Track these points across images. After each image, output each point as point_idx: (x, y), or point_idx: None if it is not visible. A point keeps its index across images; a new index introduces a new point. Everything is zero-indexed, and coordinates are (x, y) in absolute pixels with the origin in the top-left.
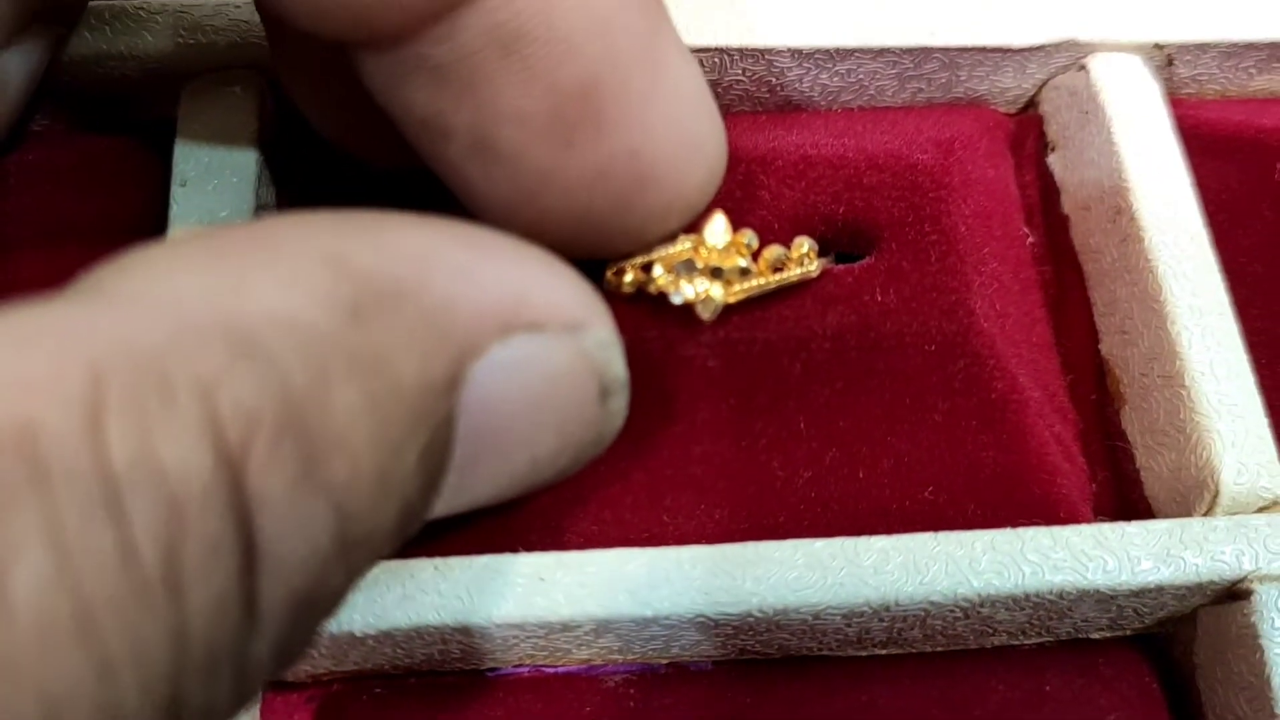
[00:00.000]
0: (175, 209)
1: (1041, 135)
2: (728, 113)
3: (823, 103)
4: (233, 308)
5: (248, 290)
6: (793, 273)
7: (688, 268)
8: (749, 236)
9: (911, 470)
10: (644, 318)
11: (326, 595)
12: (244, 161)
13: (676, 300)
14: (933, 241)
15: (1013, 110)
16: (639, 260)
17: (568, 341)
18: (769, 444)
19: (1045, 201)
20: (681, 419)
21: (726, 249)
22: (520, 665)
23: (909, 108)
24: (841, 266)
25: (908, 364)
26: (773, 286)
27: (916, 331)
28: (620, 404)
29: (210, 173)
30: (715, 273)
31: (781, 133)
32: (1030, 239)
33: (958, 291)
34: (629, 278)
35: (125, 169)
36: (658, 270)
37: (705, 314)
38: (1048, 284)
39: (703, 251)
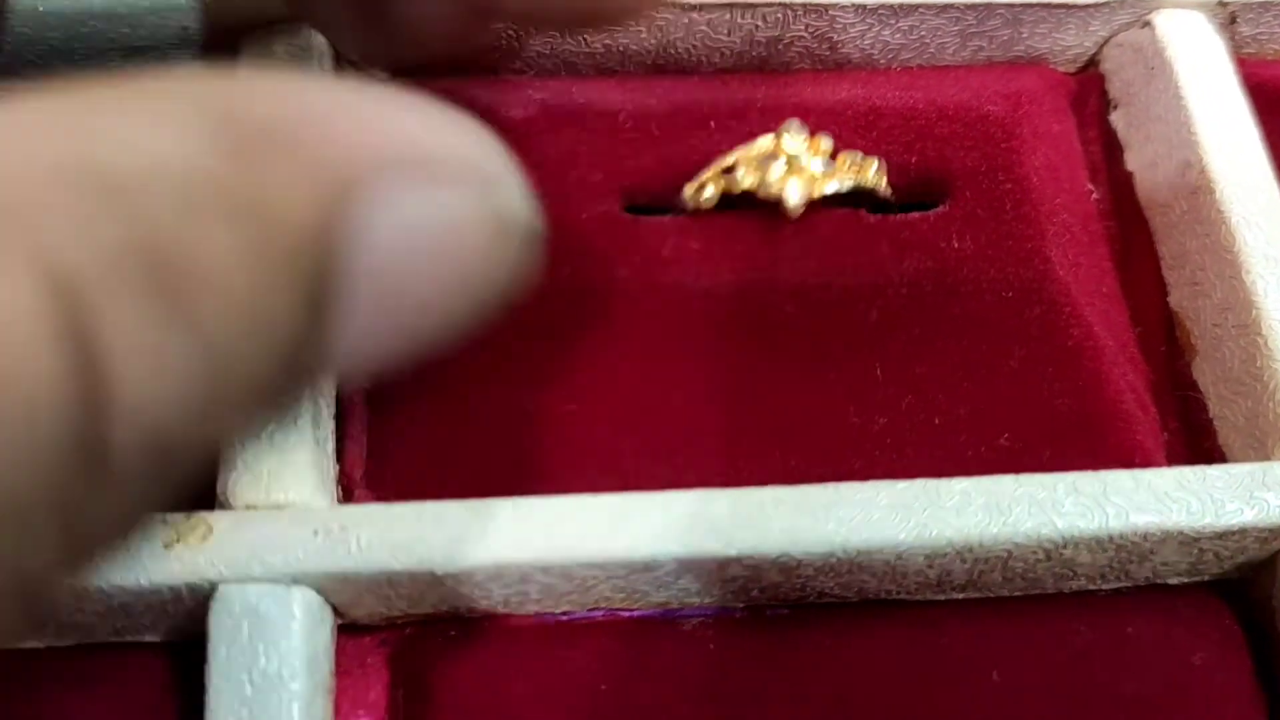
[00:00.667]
0: None
1: (1103, 93)
2: (789, 69)
3: (883, 60)
4: (90, 146)
5: (109, 129)
6: (868, 176)
7: (771, 164)
8: (826, 140)
9: (988, 417)
10: (718, 263)
11: (193, 445)
12: None
13: (762, 194)
14: (1007, 190)
15: (1073, 69)
16: (718, 167)
17: (468, 189)
18: (845, 391)
19: (1109, 158)
20: (758, 365)
21: (806, 149)
22: (596, 609)
23: (971, 66)
24: (916, 213)
25: (984, 310)
26: (850, 188)
27: (993, 278)
28: (523, 255)
29: None
30: (797, 170)
31: (847, 87)
32: (1095, 195)
33: (1033, 239)
34: (709, 192)
35: None
36: (741, 171)
37: (792, 202)
38: (1113, 239)
39: (782, 150)
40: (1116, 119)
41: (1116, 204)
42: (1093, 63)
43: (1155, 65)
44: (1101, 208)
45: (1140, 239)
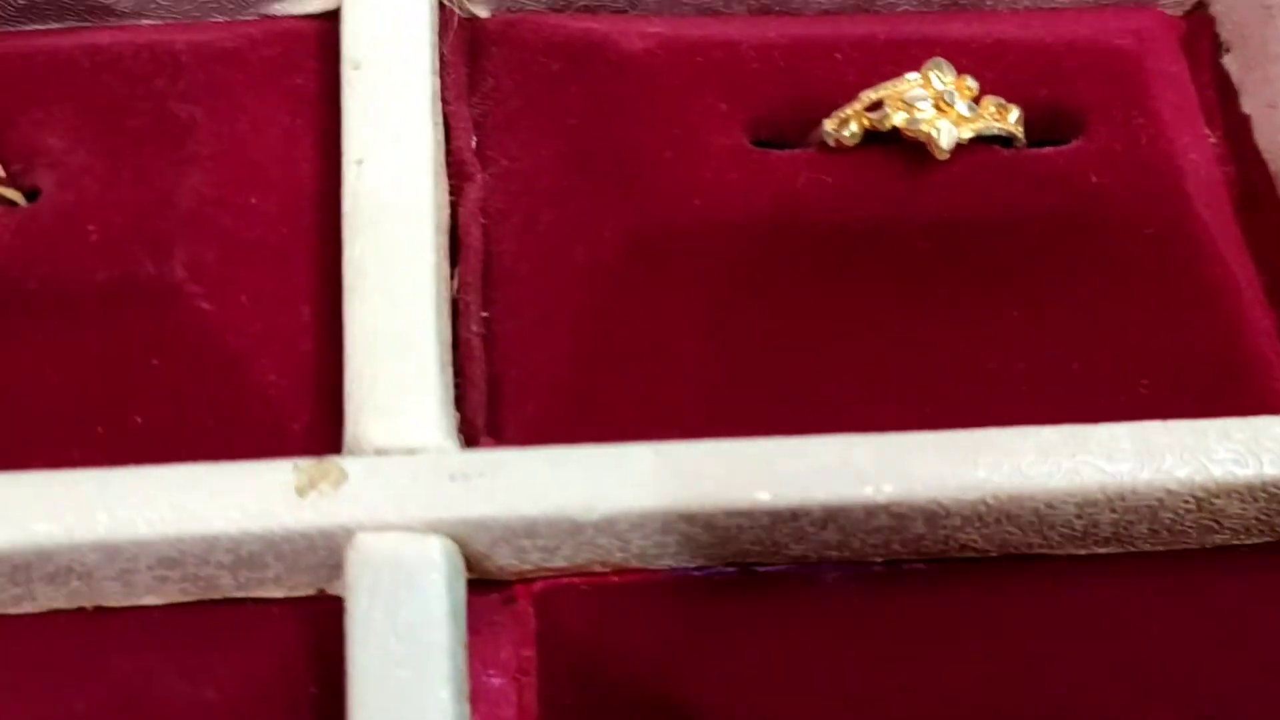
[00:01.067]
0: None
1: (1214, 36)
2: (894, 10)
3: (989, 2)
4: None
5: None
6: (1009, 124)
7: (919, 103)
8: (972, 81)
9: (1127, 362)
10: (853, 199)
11: None
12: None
13: (910, 133)
14: (1141, 125)
15: (1179, 13)
16: (862, 104)
17: None
18: (983, 334)
19: (1223, 102)
20: (894, 306)
21: (952, 88)
22: (731, 564)
23: (1080, 9)
24: (1051, 148)
25: (1124, 248)
26: (996, 130)
27: (1132, 214)
28: None
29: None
30: (945, 110)
31: (962, 25)
32: (1211, 139)
33: (1170, 175)
34: (852, 128)
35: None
36: (888, 108)
37: (944, 143)
38: (1232, 184)
39: (931, 89)
40: (1229, 62)
41: (1235, 149)
42: (1200, 5)
43: (1273, 5)
44: (1219, 152)
45: (1262, 184)
